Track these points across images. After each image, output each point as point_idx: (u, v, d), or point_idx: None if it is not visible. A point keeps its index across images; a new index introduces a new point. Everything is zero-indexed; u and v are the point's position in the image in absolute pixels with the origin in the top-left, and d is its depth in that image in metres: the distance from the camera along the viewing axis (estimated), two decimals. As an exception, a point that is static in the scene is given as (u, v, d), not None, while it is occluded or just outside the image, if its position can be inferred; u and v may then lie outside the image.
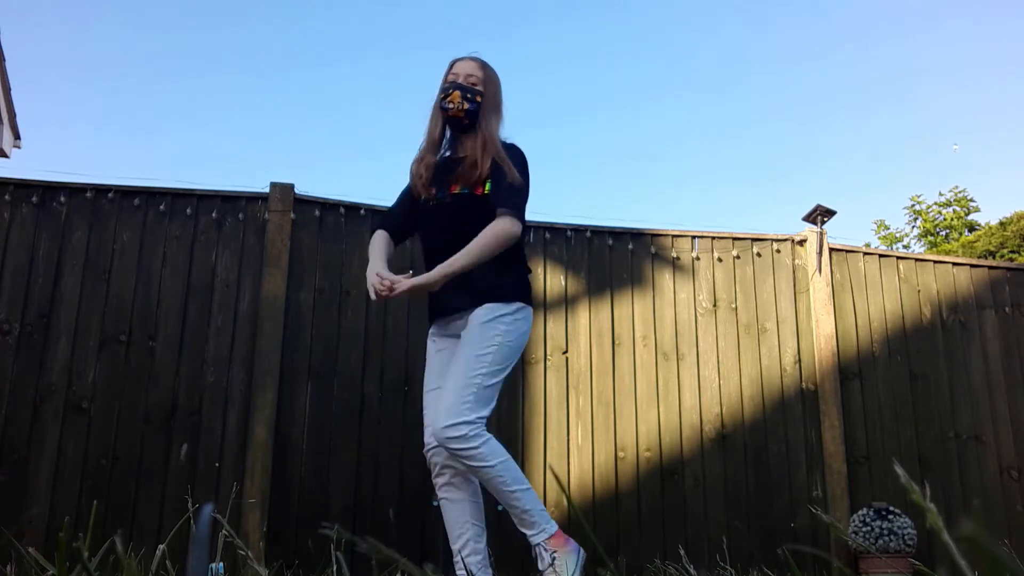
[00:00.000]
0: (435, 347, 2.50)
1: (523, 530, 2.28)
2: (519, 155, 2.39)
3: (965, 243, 18.38)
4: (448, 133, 2.45)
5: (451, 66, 2.46)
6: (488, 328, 2.30)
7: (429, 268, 2.35)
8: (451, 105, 2.34)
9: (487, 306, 2.33)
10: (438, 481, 2.39)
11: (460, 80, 2.37)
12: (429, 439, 2.36)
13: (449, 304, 2.42)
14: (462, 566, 2.29)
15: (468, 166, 2.33)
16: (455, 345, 2.41)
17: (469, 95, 2.35)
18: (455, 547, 2.33)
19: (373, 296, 2.29)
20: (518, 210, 2.30)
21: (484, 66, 2.44)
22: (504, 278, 2.37)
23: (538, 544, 2.23)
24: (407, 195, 2.55)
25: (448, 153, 2.46)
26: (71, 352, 3.88)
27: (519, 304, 2.36)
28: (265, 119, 32.38)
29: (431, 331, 2.53)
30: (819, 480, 4.43)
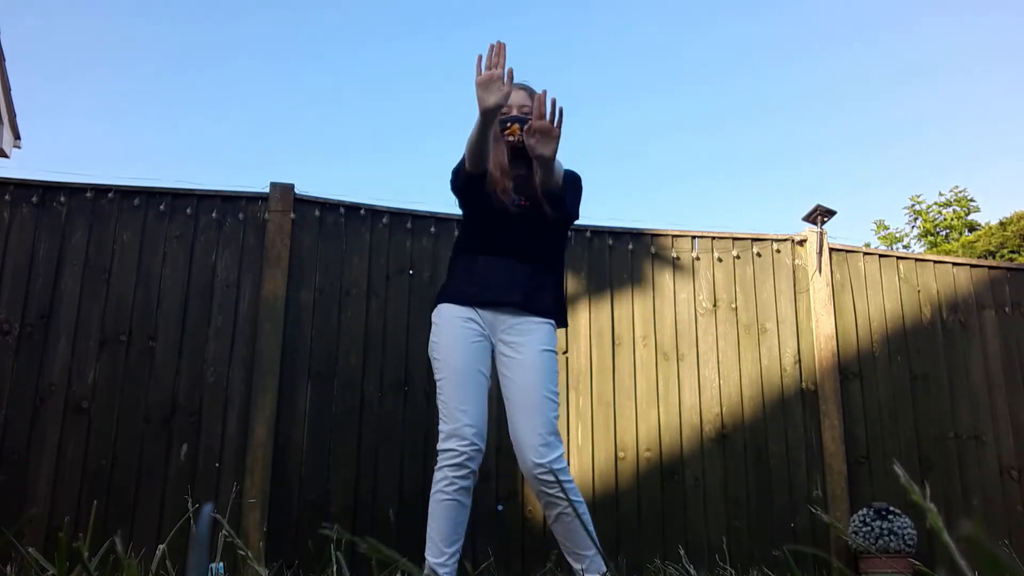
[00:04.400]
0: (468, 335, 2.37)
1: (588, 573, 2.23)
2: (577, 183, 2.58)
3: (965, 243, 18.38)
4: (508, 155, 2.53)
5: None
6: (553, 356, 2.41)
7: (490, 255, 2.43)
8: (512, 139, 2.46)
9: (552, 330, 2.44)
10: (458, 482, 2.27)
11: (515, 112, 2.48)
12: (474, 440, 2.28)
13: (515, 300, 2.39)
14: (450, 568, 2.26)
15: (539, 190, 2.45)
16: (487, 339, 2.40)
17: (526, 126, 2.45)
18: (449, 549, 2.29)
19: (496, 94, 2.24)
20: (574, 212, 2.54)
21: (532, 94, 2.54)
22: (561, 306, 2.51)
23: None
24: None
25: (519, 171, 2.53)
26: (71, 352, 3.88)
27: (558, 331, 2.51)
28: (265, 118, 32.38)
29: (462, 314, 2.39)
30: (819, 480, 4.43)
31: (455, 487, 2.27)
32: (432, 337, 2.43)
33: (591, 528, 2.32)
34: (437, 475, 2.30)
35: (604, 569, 2.27)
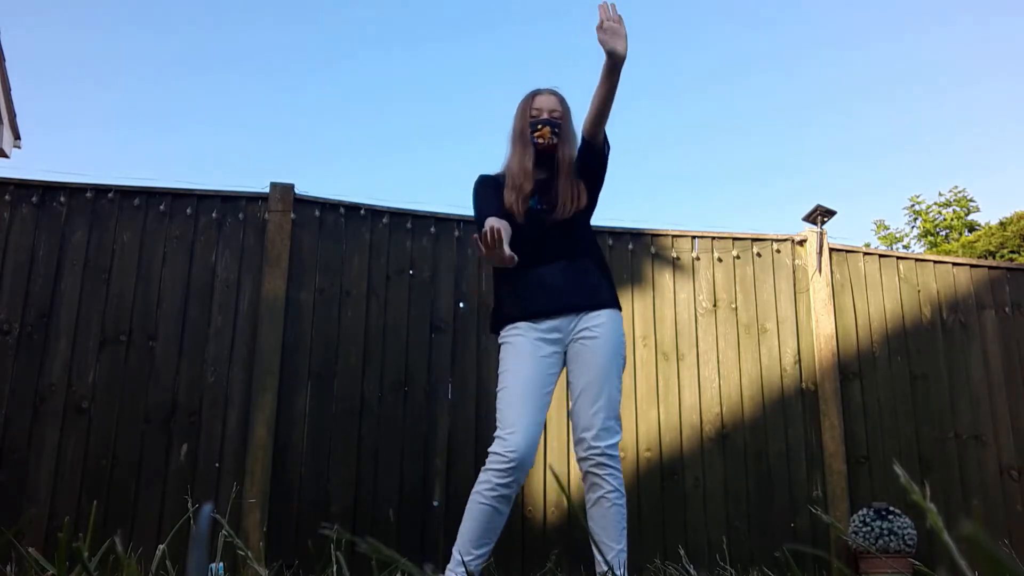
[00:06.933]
0: (534, 348, 2.37)
1: (615, 571, 2.24)
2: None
3: (965, 243, 18.37)
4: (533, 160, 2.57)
5: (532, 99, 2.57)
6: (622, 344, 2.42)
7: (532, 268, 2.42)
8: (542, 141, 2.51)
9: (618, 316, 2.45)
10: (500, 488, 2.26)
11: (545, 116, 2.53)
12: (525, 453, 2.26)
13: (574, 303, 2.40)
14: (475, 568, 2.27)
15: (568, 196, 2.49)
16: (560, 353, 2.40)
17: (556, 130, 2.52)
18: (477, 551, 2.28)
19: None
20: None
21: (562, 100, 2.58)
22: (613, 286, 2.53)
23: None
24: (496, 200, 2.54)
25: (540, 176, 2.56)
26: (71, 352, 3.88)
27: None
28: (265, 119, 32.38)
29: (525, 330, 2.39)
30: (819, 480, 4.43)
31: (495, 493, 2.26)
32: (501, 354, 2.42)
33: (625, 523, 2.34)
34: (481, 476, 2.30)
35: (626, 566, 2.28)
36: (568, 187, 2.50)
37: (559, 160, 2.51)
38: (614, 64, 2.34)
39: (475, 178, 2.59)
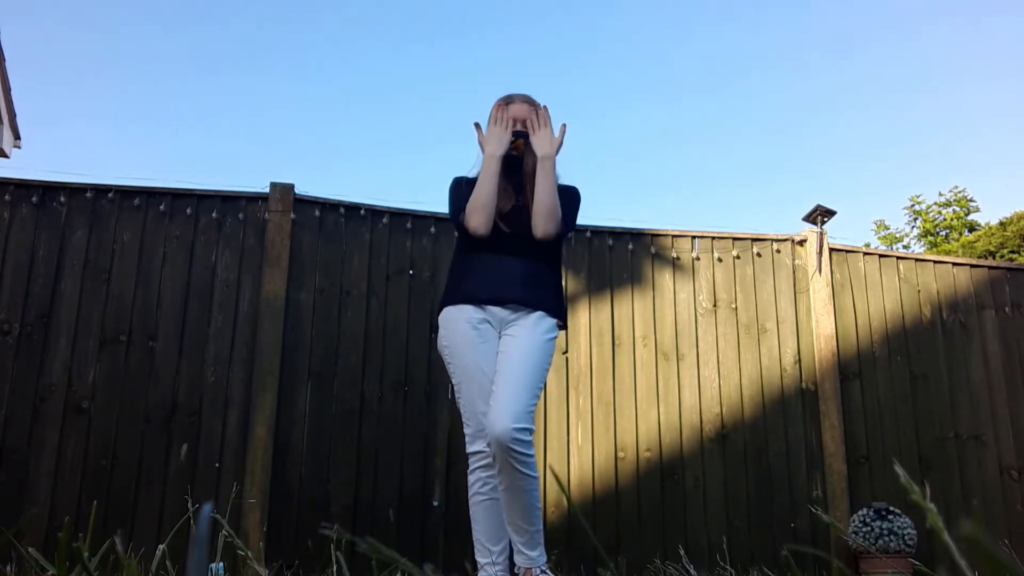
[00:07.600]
0: (479, 335, 2.40)
1: (528, 551, 2.27)
2: (575, 196, 2.60)
3: (965, 243, 18.36)
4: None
5: (505, 108, 2.57)
6: (549, 345, 2.41)
7: (488, 253, 2.46)
8: (515, 153, 2.53)
9: (553, 322, 2.45)
10: (492, 481, 2.29)
11: (519, 127, 2.55)
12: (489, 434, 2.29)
13: (519, 296, 2.42)
14: (502, 566, 2.28)
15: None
16: (496, 339, 2.42)
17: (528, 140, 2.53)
18: (496, 547, 2.31)
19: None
20: (566, 225, 2.55)
21: (535, 106, 2.60)
22: (562, 304, 2.53)
23: (540, 566, 2.27)
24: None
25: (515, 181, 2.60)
26: (71, 352, 3.88)
27: (559, 332, 2.51)
28: (265, 119, 32.38)
29: (470, 314, 2.42)
30: (819, 480, 4.43)
31: (490, 487, 2.29)
32: (442, 341, 2.44)
33: (538, 504, 2.32)
34: (471, 478, 2.33)
35: (542, 545, 2.30)
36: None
37: (527, 167, 2.52)
38: (542, 163, 2.43)
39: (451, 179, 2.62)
